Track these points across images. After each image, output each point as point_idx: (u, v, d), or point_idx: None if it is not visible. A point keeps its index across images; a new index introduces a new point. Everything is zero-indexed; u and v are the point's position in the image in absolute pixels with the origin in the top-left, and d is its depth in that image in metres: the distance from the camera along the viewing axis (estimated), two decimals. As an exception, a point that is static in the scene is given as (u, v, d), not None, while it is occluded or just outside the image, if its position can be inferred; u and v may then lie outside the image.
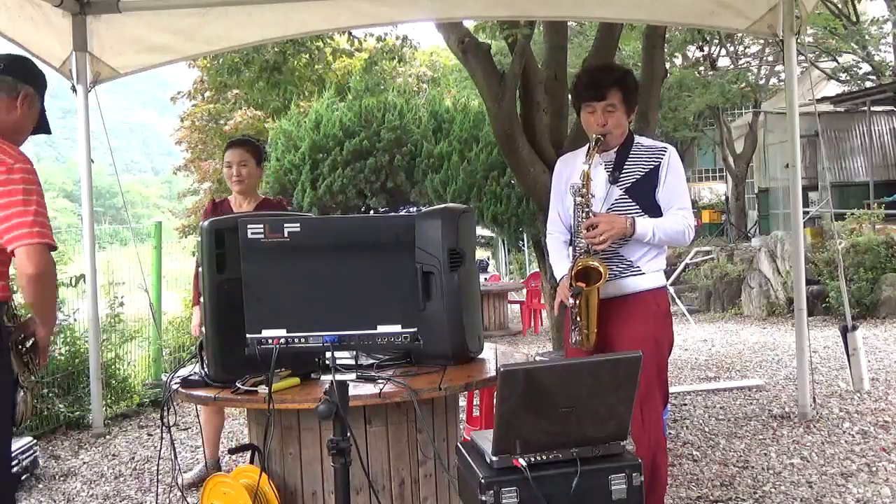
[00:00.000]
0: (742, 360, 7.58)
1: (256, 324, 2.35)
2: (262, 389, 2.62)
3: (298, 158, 13.68)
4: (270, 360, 2.33)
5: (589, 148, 3.03)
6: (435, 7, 5.64)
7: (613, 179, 3.03)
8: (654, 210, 3.02)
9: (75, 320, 6.32)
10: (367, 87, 15.13)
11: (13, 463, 4.43)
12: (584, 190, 2.98)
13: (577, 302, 2.97)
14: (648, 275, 3.04)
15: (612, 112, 3.00)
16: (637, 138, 3.10)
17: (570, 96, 3.93)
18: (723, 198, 20.88)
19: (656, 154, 3.05)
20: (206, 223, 2.87)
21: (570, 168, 3.16)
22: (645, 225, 2.95)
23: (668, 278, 11.66)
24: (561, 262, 3.17)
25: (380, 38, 11.92)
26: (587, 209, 2.98)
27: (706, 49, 16.10)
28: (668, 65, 12.06)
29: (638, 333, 2.95)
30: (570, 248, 3.11)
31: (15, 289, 2.89)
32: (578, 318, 2.99)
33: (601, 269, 2.92)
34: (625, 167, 3.03)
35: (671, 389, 6.19)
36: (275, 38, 6.97)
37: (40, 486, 4.59)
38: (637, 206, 3.01)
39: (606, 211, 3.01)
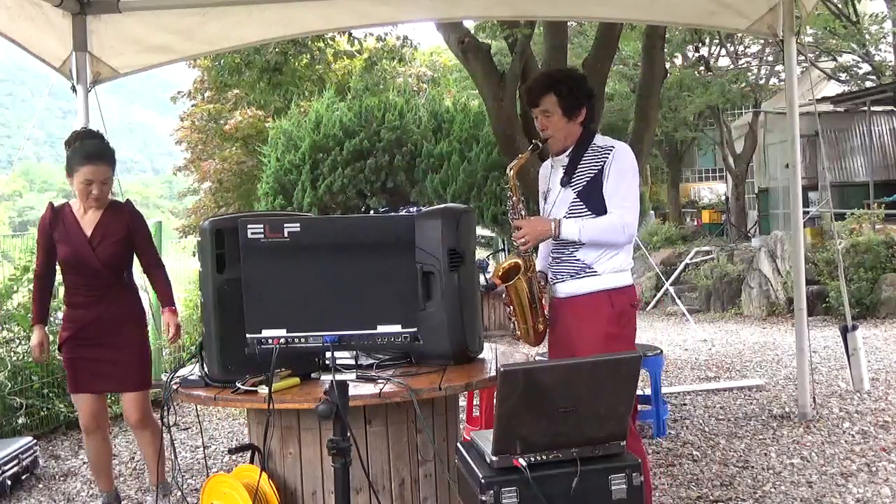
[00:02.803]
0: (742, 360, 7.58)
1: (256, 324, 2.35)
2: (262, 389, 2.62)
3: (298, 158, 13.68)
4: (270, 360, 2.33)
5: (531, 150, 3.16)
6: (435, 7, 5.64)
7: (565, 182, 3.10)
8: (604, 211, 3.08)
9: (75, 320, 6.30)
10: (367, 87, 15.13)
11: (13, 463, 4.44)
12: (511, 192, 3.14)
13: (509, 298, 3.13)
14: (604, 275, 3.09)
15: (549, 116, 3.08)
16: (596, 139, 3.14)
17: None
18: (723, 198, 20.87)
19: (604, 153, 3.09)
20: (206, 223, 2.86)
21: (545, 173, 3.27)
22: (570, 228, 3.03)
23: (667, 278, 11.52)
24: (538, 261, 3.32)
25: (380, 38, 11.92)
26: (513, 210, 3.13)
27: (702, 50, 16.09)
28: (668, 65, 12.07)
29: (591, 332, 3.04)
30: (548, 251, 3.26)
31: None
32: (512, 315, 3.16)
33: (520, 264, 3.08)
34: (577, 170, 3.09)
35: (672, 389, 6.19)
36: (275, 37, 6.98)
37: (40, 486, 4.59)
38: (587, 209, 3.07)
39: (565, 214, 3.08)
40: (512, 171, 3.15)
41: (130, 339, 3.72)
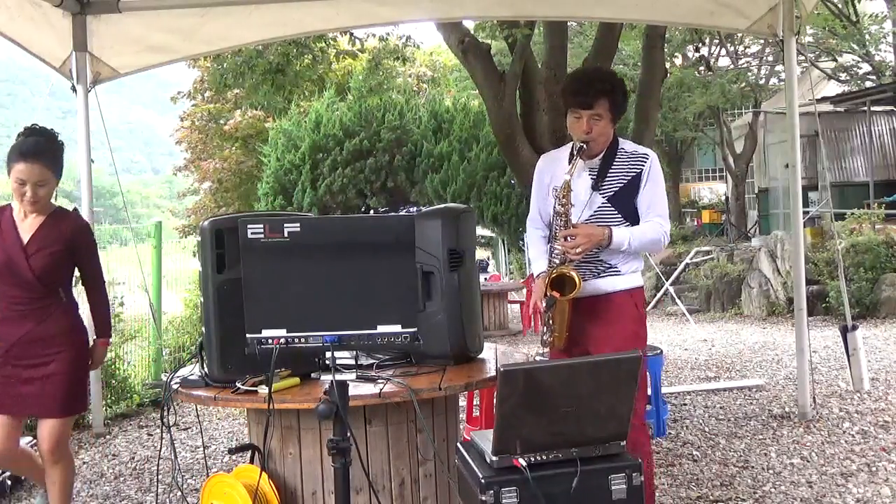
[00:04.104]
0: (742, 360, 7.58)
1: (256, 324, 2.35)
2: (262, 389, 2.62)
3: (298, 158, 13.69)
4: (270, 360, 2.33)
5: (571, 154, 3.05)
6: (435, 7, 5.64)
7: (596, 187, 3.06)
8: (634, 217, 3.07)
9: (75, 320, 6.29)
10: (370, 88, 15.15)
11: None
12: (564, 200, 3.03)
13: (555, 309, 3.02)
14: (626, 275, 3.10)
15: (598, 121, 3.02)
16: (621, 143, 3.12)
17: None
18: (723, 198, 20.87)
19: (638, 160, 3.07)
20: (206, 223, 2.86)
21: (551, 168, 3.19)
22: (621, 236, 3.00)
23: (667, 278, 11.50)
24: (539, 259, 3.21)
25: (382, 39, 11.91)
26: (566, 218, 3.03)
27: (702, 50, 16.12)
28: (668, 65, 12.07)
29: (616, 330, 3.03)
30: (548, 249, 3.15)
31: None
32: (551, 322, 3.07)
33: (576, 280, 2.97)
34: (608, 175, 3.07)
35: (672, 389, 6.20)
36: (274, 38, 6.98)
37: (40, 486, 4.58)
38: (618, 214, 3.05)
39: (588, 217, 3.04)
40: (570, 177, 3.00)
41: (61, 361, 3.30)
